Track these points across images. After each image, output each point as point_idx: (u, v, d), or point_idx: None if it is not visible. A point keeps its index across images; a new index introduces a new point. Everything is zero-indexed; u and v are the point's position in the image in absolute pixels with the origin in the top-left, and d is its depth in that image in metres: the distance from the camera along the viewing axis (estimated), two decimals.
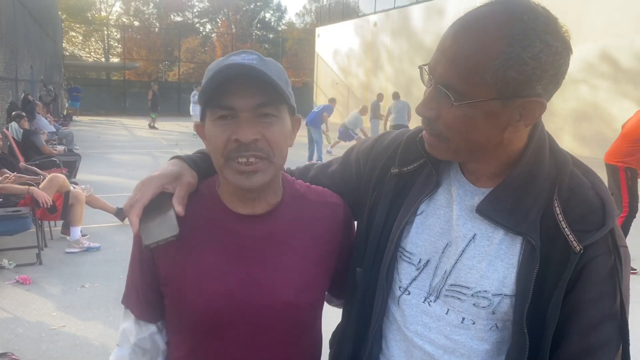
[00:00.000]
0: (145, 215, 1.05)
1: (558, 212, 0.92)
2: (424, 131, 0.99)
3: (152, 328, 1.15)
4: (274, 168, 1.02)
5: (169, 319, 1.15)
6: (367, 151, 1.20)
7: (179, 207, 1.05)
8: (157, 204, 1.07)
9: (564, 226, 0.91)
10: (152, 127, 21.70)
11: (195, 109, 18.77)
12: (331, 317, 1.32)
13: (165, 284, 1.10)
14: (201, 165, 1.17)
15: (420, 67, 0.97)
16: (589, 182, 0.96)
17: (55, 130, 11.69)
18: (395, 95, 14.28)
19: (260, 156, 0.99)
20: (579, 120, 16.56)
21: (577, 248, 0.90)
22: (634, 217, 5.52)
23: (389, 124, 13.73)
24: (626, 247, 0.95)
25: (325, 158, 12.28)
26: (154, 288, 1.12)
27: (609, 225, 0.91)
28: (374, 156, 1.17)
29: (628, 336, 0.93)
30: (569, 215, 0.92)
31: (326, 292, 1.30)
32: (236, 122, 0.98)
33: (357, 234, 1.17)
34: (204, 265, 1.07)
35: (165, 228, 1.02)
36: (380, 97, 15.65)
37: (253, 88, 0.97)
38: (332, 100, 14.44)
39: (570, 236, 0.90)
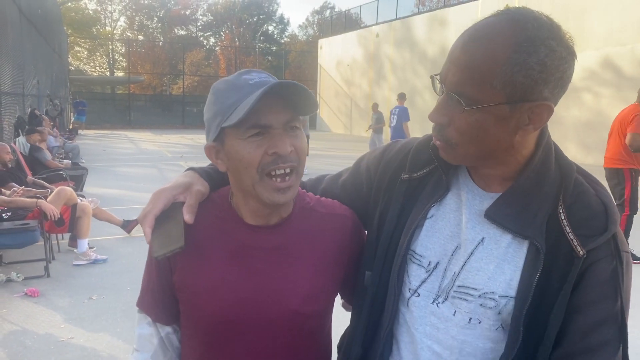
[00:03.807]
0: (157, 226, 1.09)
1: (563, 217, 0.96)
2: (434, 138, 1.03)
3: (168, 329, 1.20)
4: (299, 179, 1.08)
5: (182, 324, 1.19)
6: (377, 159, 1.23)
7: (187, 216, 1.09)
8: (168, 214, 1.11)
9: (568, 231, 0.95)
10: None
11: None
12: (340, 322, 1.35)
13: (179, 290, 1.14)
14: (214, 176, 1.21)
15: (431, 77, 1.02)
16: (592, 189, 0.99)
17: (60, 144, 11.78)
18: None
19: (293, 166, 1.05)
20: (583, 128, 16.56)
21: (581, 252, 0.93)
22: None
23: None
24: (628, 252, 0.98)
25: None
26: (169, 293, 1.16)
27: (611, 231, 0.95)
28: (384, 164, 1.20)
29: (627, 338, 0.95)
30: (573, 220, 0.95)
31: (342, 301, 1.35)
32: (269, 137, 1.03)
33: (367, 239, 1.20)
34: (215, 274, 1.11)
35: (172, 240, 1.05)
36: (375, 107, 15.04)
37: (282, 105, 1.03)
38: (402, 97, 12.64)
39: (574, 240, 0.94)
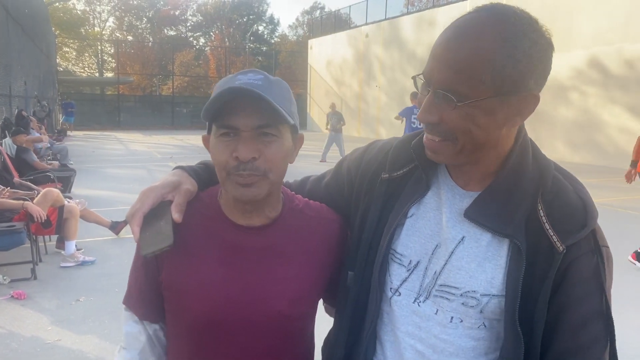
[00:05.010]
0: (145, 224, 1.09)
1: (542, 214, 0.97)
2: (425, 137, 1.01)
3: (156, 326, 1.20)
4: (269, 183, 1.06)
5: (168, 323, 1.19)
6: (357, 159, 1.23)
7: (176, 215, 1.09)
8: (157, 213, 1.11)
9: (548, 227, 0.96)
10: None
11: None
12: (325, 326, 1.35)
13: (166, 289, 1.14)
14: (202, 175, 1.21)
15: (414, 77, 1.01)
16: (570, 186, 1.00)
17: (49, 145, 11.68)
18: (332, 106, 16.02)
19: (255, 175, 1.03)
20: (571, 127, 16.70)
21: (561, 248, 0.94)
22: None
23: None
24: (608, 247, 1.00)
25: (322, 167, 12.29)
26: (157, 291, 1.16)
27: (590, 226, 0.96)
28: (364, 164, 1.20)
29: (614, 333, 0.97)
30: (552, 217, 0.96)
31: (325, 304, 1.35)
32: (237, 139, 1.03)
33: (350, 240, 1.20)
34: (202, 273, 1.11)
35: (160, 238, 1.05)
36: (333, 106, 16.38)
37: (254, 109, 1.02)
38: (416, 96, 12.88)
39: (554, 237, 0.95)
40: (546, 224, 0.96)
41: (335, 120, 15.19)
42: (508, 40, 0.87)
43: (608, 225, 7.47)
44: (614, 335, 0.96)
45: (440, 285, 1.04)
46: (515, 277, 0.96)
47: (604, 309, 0.96)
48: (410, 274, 1.08)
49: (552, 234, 0.95)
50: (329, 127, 15.32)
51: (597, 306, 0.95)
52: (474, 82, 0.89)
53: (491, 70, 0.88)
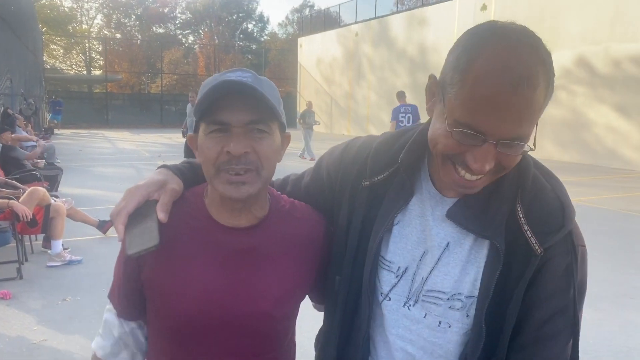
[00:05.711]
0: (130, 223, 1.08)
1: (521, 215, 0.98)
2: (457, 176, 0.95)
3: (133, 324, 1.19)
4: (261, 181, 1.06)
5: (150, 323, 1.17)
6: (336, 162, 1.22)
7: (161, 215, 1.07)
8: (142, 212, 1.09)
9: (526, 229, 0.96)
10: None
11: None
12: (311, 324, 1.34)
13: (149, 288, 1.12)
14: (187, 174, 1.20)
15: (459, 131, 0.90)
16: (549, 186, 1.01)
17: (35, 144, 11.56)
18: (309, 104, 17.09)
19: (249, 169, 1.03)
20: (559, 126, 16.84)
21: (538, 250, 0.95)
22: None
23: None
24: (584, 246, 1.01)
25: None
26: (136, 290, 1.14)
27: (567, 227, 0.97)
28: (344, 167, 1.19)
29: (578, 328, 0.99)
30: (531, 218, 0.97)
31: (313, 302, 1.35)
32: (228, 135, 1.02)
33: (334, 244, 1.19)
34: (187, 273, 1.09)
35: (146, 238, 1.04)
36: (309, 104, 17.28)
37: (246, 105, 1.01)
38: (403, 95, 11.67)
39: (532, 238, 0.96)
40: (525, 225, 0.97)
41: (312, 118, 16.27)
42: (548, 60, 0.88)
43: (595, 223, 7.56)
44: (577, 331, 0.98)
45: (428, 290, 1.05)
46: (490, 277, 0.98)
47: (569, 306, 0.97)
48: (399, 279, 1.08)
49: (530, 235, 0.96)
50: (301, 122, 16.37)
51: (564, 302, 0.97)
52: (536, 119, 0.90)
53: (545, 103, 0.90)
